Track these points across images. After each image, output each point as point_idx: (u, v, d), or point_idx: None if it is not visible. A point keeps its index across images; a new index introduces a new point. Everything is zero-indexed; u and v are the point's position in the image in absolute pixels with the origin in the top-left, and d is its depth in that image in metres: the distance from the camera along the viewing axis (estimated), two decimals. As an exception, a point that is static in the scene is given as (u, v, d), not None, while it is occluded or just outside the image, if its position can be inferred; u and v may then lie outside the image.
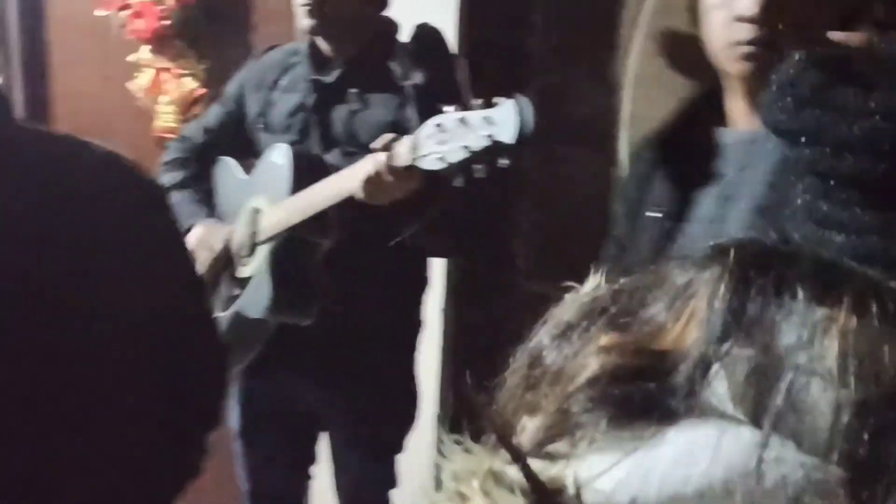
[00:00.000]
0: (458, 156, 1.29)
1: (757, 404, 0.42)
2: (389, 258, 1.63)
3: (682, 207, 1.19)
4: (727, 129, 1.16)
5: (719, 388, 0.43)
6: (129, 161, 1.12)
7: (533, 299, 1.61)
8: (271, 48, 1.85)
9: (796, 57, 0.96)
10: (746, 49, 1.07)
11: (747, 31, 1.06)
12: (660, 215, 1.21)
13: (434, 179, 1.40)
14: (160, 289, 1.09)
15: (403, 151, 1.38)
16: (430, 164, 1.34)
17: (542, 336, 0.50)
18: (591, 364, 0.46)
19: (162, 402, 1.12)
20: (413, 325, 1.81)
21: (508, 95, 1.26)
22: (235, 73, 1.87)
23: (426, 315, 1.85)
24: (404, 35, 1.70)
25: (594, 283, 0.52)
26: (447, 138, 1.31)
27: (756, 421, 0.42)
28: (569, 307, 0.50)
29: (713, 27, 1.11)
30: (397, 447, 1.83)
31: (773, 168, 1.09)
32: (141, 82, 2.68)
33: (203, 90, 2.59)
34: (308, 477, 1.94)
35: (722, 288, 0.45)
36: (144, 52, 2.65)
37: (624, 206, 1.29)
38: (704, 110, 1.18)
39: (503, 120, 1.26)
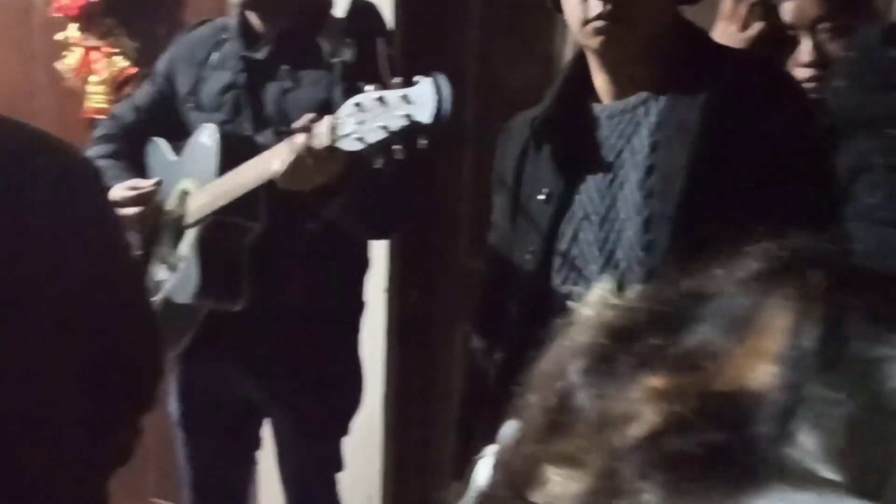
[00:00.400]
0: (375, 136, 1.28)
1: (861, 467, 0.33)
2: (326, 240, 1.59)
3: (567, 185, 1.23)
4: (598, 104, 1.23)
5: (808, 443, 0.33)
6: (60, 140, 1.13)
7: (473, 276, 1.60)
8: (201, 23, 1.80)
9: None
10: (597, 24, 1.14)
11: (595, 7, 1.13)
12: (544, 197, 1.25)
13: (355, 161, 1.38)
14: (93, 268, 1.08)
15: (323, 132, 1.36)
16: (349, 144, 1.32)
17: (569, 371, 0.39)
18: (645, 414, 0.36)
19: (94, 381, 1.11)
20: (354, 306, 1.78)
21: (427, 74, 1.25)
22: (166, 51, 1.82)
23: (368, 296, 1.82)
24: (339, 11, 1.66)
25: (605, 295, 0.41)
26: (365, 118, 1.29)
27: (862, 489, 0.32)
28: (588, 329, 0.40)
29: (568, 6, 1.18)
30: (342, 430, 1.80)
31: (650, 133, 1.18)
32: (69, 62, 2.59)
33: (134, 69, 2.51)
34: (252, 462, 1.91)
35: (806, 316, 0.35)
36: (72, 31, 2.56)
37: (502, 192, 1.32)
38: (578, 87, 1.25)
39: (421, 99, 1.24)
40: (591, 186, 1.22)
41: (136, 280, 1.25)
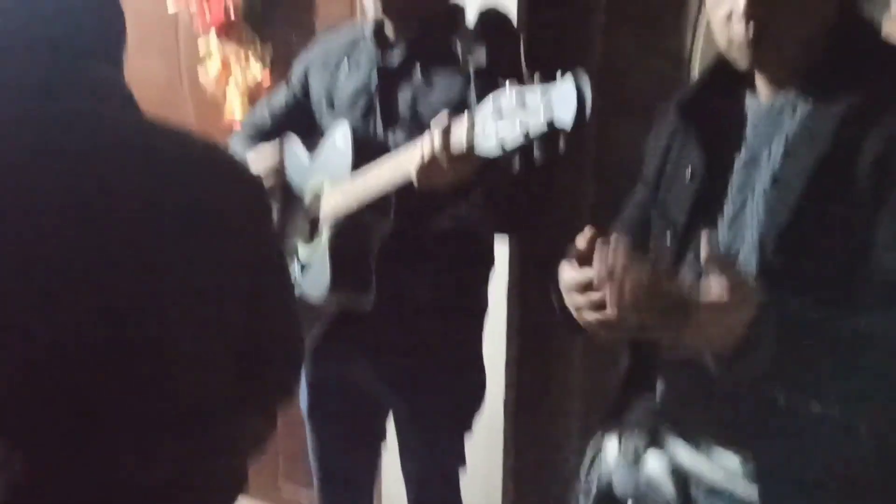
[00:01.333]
0: (515, 139, 1.25)
1: None
2: (448, 238, 1.62)
3: (711, 170, 1.19)
4: (753, 99, 1.19)
5: None
6: (230, 154, 1.23)
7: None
8: (334, 28, 1.86)
9: None
10: (744, 45, 1.11)
11: (740, 31, 1.10)
12: (689, 178, 1.21)
13: (490, 163, 1.36)
14: (250, 260, 1.14)
15: (461, 132, 1.35)
16: (487, 147, 1.30)
17: None
18: None
19: (241, 370, 1.16)
20: (477, 306, 1.80)
21: (566, 68, 1.21)
22: (299, 56, 1.88)
23: (492, 296, 1.83)
24: (469, 18, 1.68)
25: None
26: (504, 118, 1.26)
27: None
28: None
29: (714, 25, 1.15)
30: (464, 426, 1.82)
31: (786, 140, 1.12)
32: (209, 71, 2.72)
33: (269, 74, 2.62)
34: (377, 453, 1.96)
35: None
36: (212, 41, 2.70)
37: (652, 167, 1.29)
38: (735, 76, 1.20)
39: (561, 99, 1.20)
40: (731, 182, 1.17)
41: (284, 272, 1.30)
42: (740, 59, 1.14)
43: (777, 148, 1.13)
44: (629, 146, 2.06)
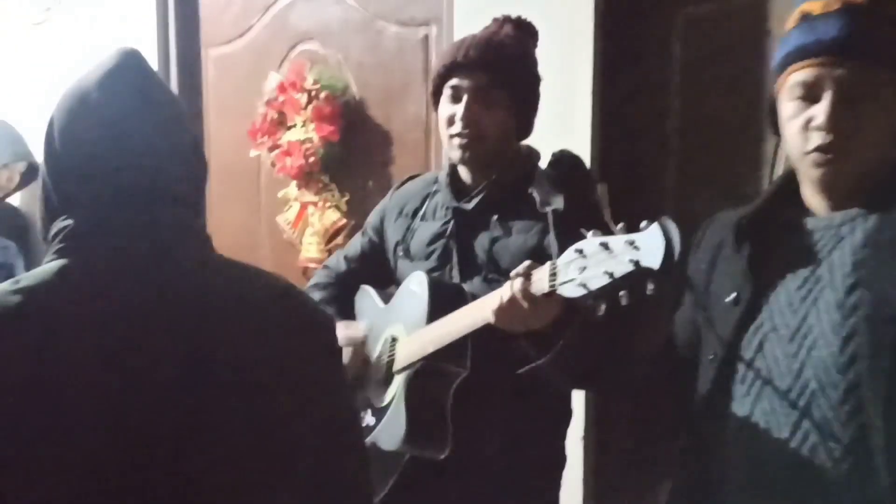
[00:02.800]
0: (599, 282, 1.21)
1: None
2: (526, 389, 1.56)
3: (756, 292, 1.23)
4: (806, 215, 1.23)
5: None
6: (299, 289, 1.23)
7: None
8: (411, 178, 1.89)
9: None
10: (817, 157, 1.17)
11: (816, 139, 1.16)
12: (732, 299, 1.25)
13: (572, 308, 1.33)
14: (323, 409, 1.14)
15: (542, 277, 1.33)
16: (570, 290, 1.27)
17: None
18: None
19: None
20: (554, 460, 1.73)
21: (652, 219, 1.19)
22: (376, 204, 1.92)
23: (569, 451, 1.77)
24: (543, 162, 1.70)
25: None
26: (588, 264, 1.23)
27: None
28: None
29: (789, 136, 1.21)
30: None
31: (853, 251, 1.16)
32: (288, 216, 2.81)
33: (344, 221, 2.69)
34: None
35: None
36: (292, 189, 2.79)
37: (692, 290, 1.33)
38: (787, 195, 1.26)
39: (649, 244, 1.17)
40: (783, 299, 1.20)
41: (356, 422, 1.28)
42: (812, 171, 1.18)
43: (841, 258, 1.16)
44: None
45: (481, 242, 1.65)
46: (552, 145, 1.70)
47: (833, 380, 1.13)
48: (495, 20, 1.69)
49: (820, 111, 1.15)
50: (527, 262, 1.38)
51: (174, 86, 3.03)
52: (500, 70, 1.62)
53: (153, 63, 1.18)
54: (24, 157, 3.39)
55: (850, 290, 1.14)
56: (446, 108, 1.65)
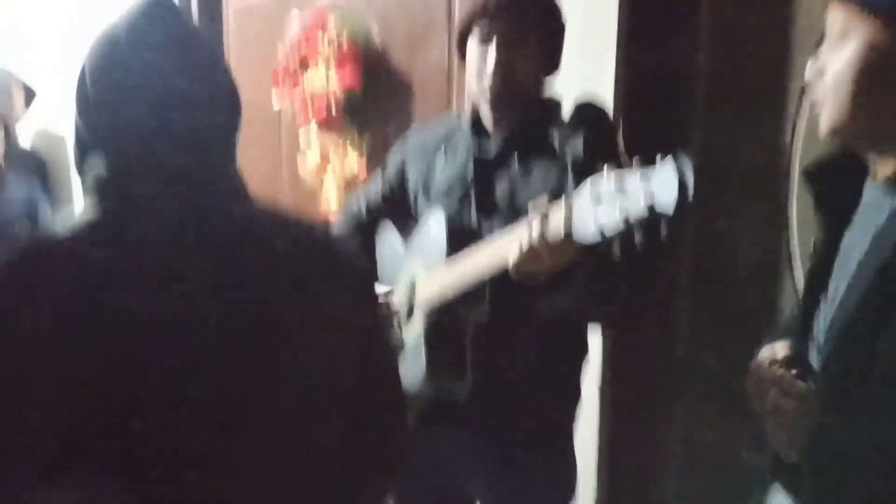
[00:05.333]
0: (614, 226, 1.22)
1: None
2: (544, 326, 1.59)
3: (830, 245, 1.17)
4: (871, 183, 1.15)
5: None
6: (336, 238, 1.29)
7: (695, 372, 1.54)
8: (431, 119, 1.90)
9: None
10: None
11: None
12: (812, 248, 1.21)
13: (588, 247, 1.33)
14: (362, 348, 1.18)
15: (558, 217, 1.33)
16: (586, 233, 1.27)
17: None
18: None
19: (345, 457, 1.17)
20: (571, 395, 1.76)
21: (666, 153, 1.18)
22: (396, 144, 1.93)
23: (584, 388, 1.79)
24: (566, 111, 1.70)
25: None
26: (603, 204, 1.23)
27: None
28: None
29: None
30: None
31: (876, 233, 1.09)
32: (308, 162, 2.82)
33: (365, 164, 2.70)
34: None
35: None
36: (312, 133, 2.80)
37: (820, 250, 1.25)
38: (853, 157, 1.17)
39: (662, 183, 1.17)
40: (840, 262, 1.16)
41: (393, 359, 1.31)
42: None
43: (865, 236, 1.11)
44: (726, 235, 2.04)
45: (501, 186, 1.66)
46: (577, 91, 1.71)
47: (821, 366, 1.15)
48: None
49: None
50: (542, 201, 1.38)
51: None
52: (529, 12, 1.63)
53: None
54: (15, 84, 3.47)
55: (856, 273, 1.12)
56: (475, 51, 1.65)
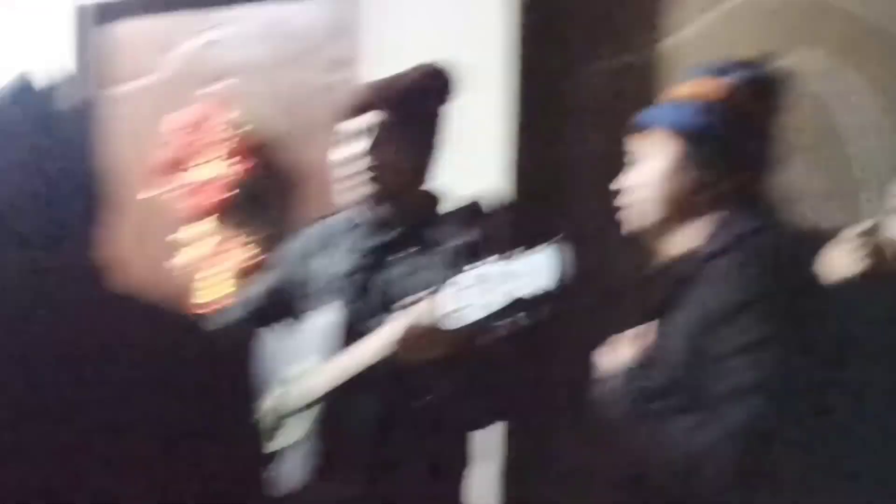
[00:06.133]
0: (495, 304, 1.30)
1: None
2: (430, 426, 1.59)
3: None
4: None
5: None
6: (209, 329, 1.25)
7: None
8: (327, 215, 1.90)
9: None
10: None
11: None
12: None
13: (471, 337, 1.40)
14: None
15: (432, 307, 1.40)
16: (468, 314, 1.34)
17: None
18: None
19: None
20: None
21: (543, 243, 1.28)
22: (291, 239, 1.92)
23: (473, 493, 1.77)
24: (449, 204, 1.75)
25: None
26: (485, 289, 1.32)
27: None
28: None
29: None
30: None
31: None
32: (189, 253, 2.72)
33: (256, 260, 2.63)
34: None
35: None
36: (199, 222, 2.71)
37: None
38: None
39: (541, 266, 1.25)
40: None
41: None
42: None
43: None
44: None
45: (391, 278, 1.68)
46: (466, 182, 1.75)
47: None
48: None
49: None
50: (424, 292, 1.44)
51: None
52: (401, 108, 1.67)
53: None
54: None
55: None
56: (350, 148, 1.68)
